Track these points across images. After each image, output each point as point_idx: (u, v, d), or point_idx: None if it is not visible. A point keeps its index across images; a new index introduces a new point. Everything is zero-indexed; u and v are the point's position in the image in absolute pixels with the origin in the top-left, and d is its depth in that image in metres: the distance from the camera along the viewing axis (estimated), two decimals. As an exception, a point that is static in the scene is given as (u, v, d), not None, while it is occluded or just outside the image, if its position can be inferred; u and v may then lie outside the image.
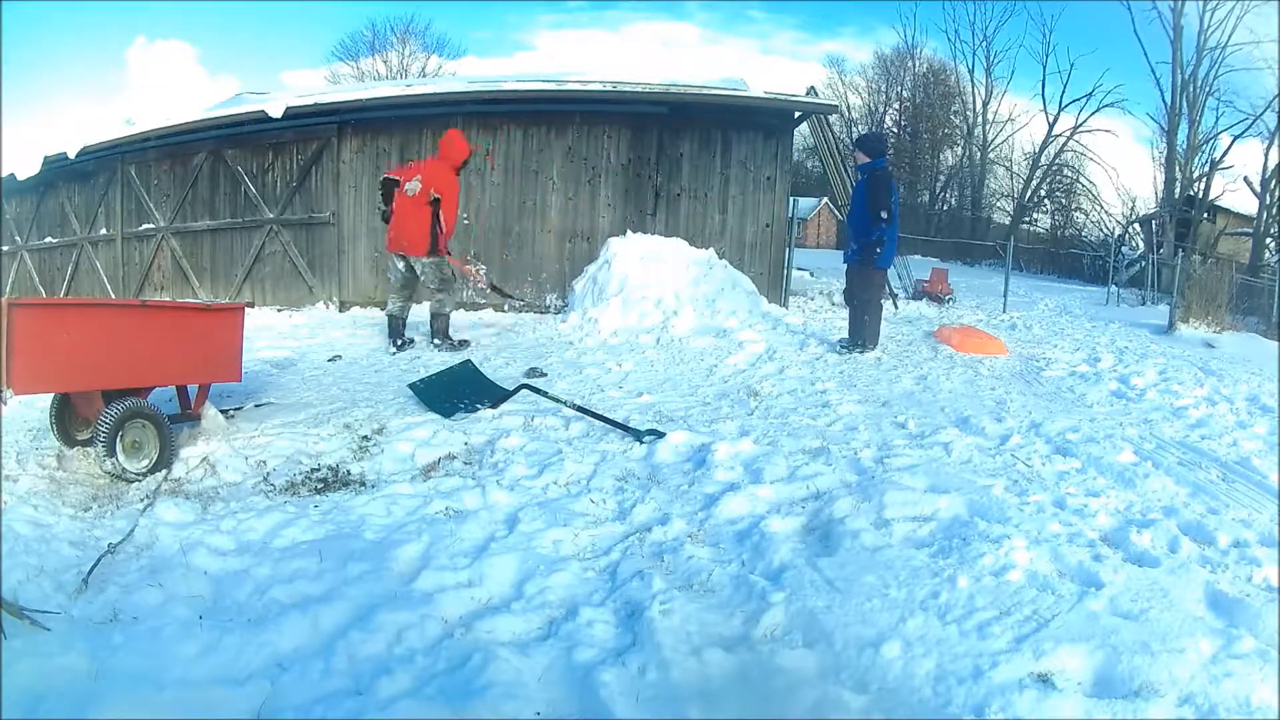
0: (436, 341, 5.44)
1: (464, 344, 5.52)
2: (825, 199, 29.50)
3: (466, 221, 8.10)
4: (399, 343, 5.43)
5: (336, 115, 8.09)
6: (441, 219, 5.24)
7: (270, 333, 6.18)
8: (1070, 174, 27.51)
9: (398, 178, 5.37)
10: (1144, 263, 17.84)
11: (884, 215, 5.13)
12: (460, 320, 7.20)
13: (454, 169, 5.40)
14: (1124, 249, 22.97)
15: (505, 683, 1.63)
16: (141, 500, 2.62)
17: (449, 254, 5.47)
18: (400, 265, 5.43)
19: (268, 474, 2.91)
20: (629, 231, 7.24)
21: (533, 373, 4.62)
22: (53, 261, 10.71)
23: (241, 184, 8.49)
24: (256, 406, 3.87)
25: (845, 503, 2.47)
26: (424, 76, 25.24)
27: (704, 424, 3.52)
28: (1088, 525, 2.32)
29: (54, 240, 10.55)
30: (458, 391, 3.90)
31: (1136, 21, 22.59)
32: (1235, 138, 21.77)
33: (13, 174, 10.15)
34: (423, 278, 5.42)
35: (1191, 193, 22.10)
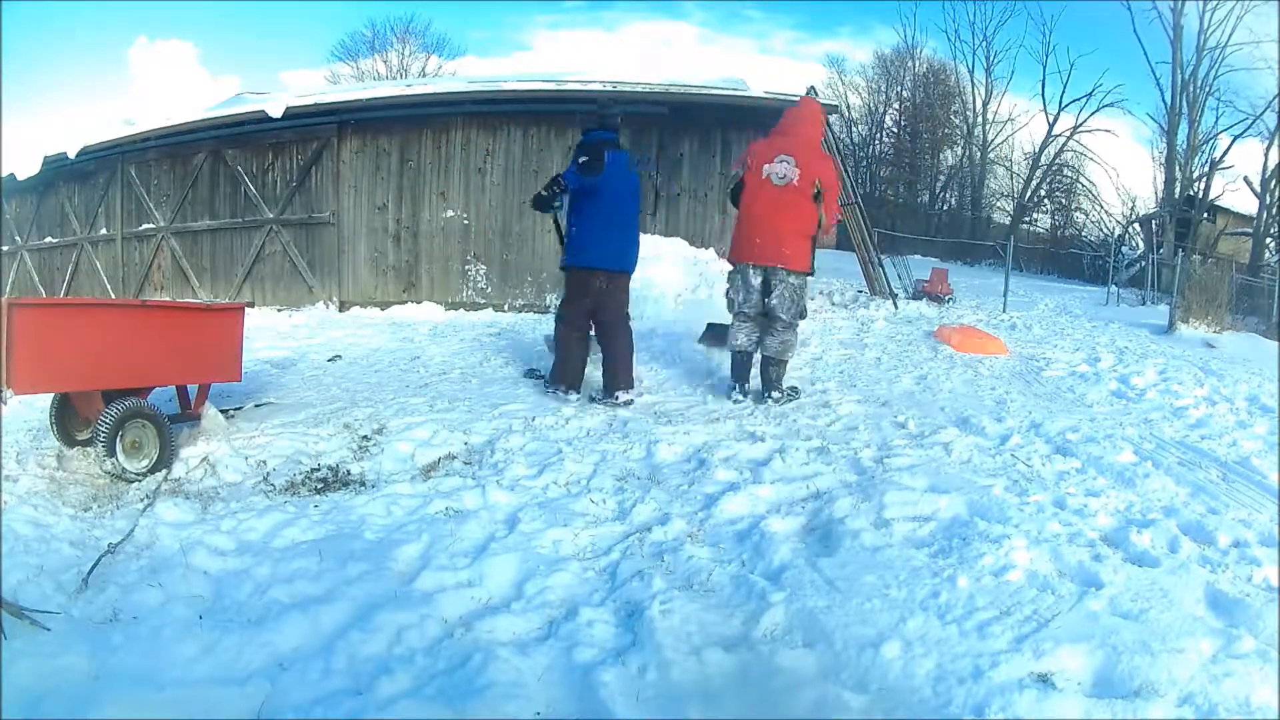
0: (775, 395, 3.90)
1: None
2: (825, 199, 29.40)
3: (466, 222, 8.11)
4: (745, 387, 3.97)
5: (336, 115, 8.10)
6: (826, 219, 3.88)
7: (270, 333, 6.19)
8: (1070, 174, 27.51)
9: (741, 168, 3.92)
10: (1144, 263, 17.85)
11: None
12: (461, 320, 7.19)
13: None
14: (1124, 249, 22.98)
15: (505, 683, 1.63)
16: (141, 500, 2.62)
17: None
18: (757, 281, 3.89)
19: (268, 474, 2.91)
20: (629, 231, 7.24)
21: (531, 373, 4.62)
22: (53, 261, 10.72)
23: (241, 184, 8.49)
24: (256, 406, 3.87)
25: (845, 503, 2.47)
26: (424, 76, 25.24)
27: (704, 423, 3.52)
28: (1088, 525, 2.32)
29: (54, 240, 10.55)
30: None
31: (1136, 21, 22.56)
32: (1235, 138, 21.79)
33: (13, 174, 10.16)
34: (776, 302, 3.85)
35: (1191, 193, 22.10)
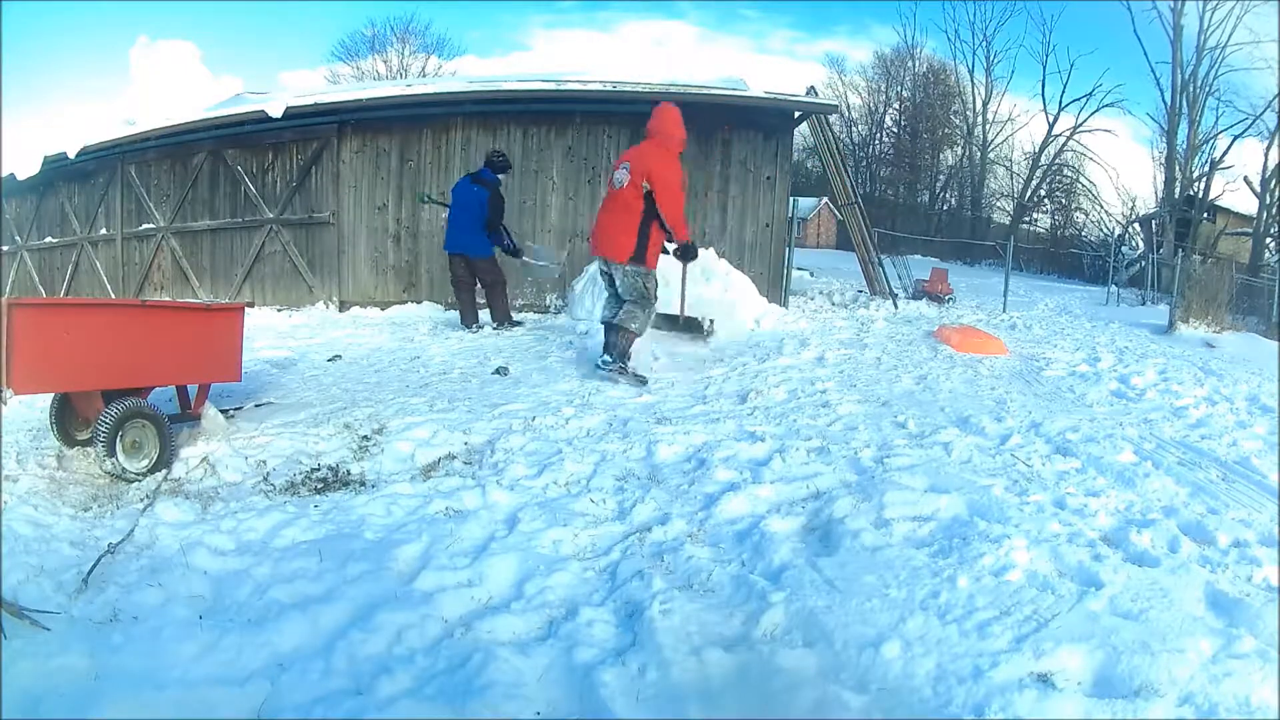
0: (606, 359, 4.39)
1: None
2: (825, 199, 29.47)
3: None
4: (614, 353, 4.58)
5: (336, 115, 8.10)
6: (662, 215, 4.25)
7: (270, 333, 6.19)
8: (1070, 174, 27.55)
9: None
10: (1144, 263, 17.85)
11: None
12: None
13: (671, 151, 4.33)
14: (1124, 249, 22.99)
15: (505, 683, 1.63)
16: (141, 500, 2.62)
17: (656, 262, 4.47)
18: (605, 269, 4.59)
19: (268, 474, 2.91)
20: (629, 231, 7.23)
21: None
22: (53, 261, 10.71)
23: (241, 184, 8.49)
24: (256, 406, 3.87)
25: (845, 502, 2.47)
26: (423, 76, 25.22)
27: (704, 423, 3.52)
28: (1088, 525, 2.32)
29: (54, 240, 10.55)
30: None
31: (1136, 21, 22.67)
32: (1235, 138, 21.83)
33: (13, 174, 10.14)
34: (619, 286, 4.50)
35: (1191, 193, 22.11)
